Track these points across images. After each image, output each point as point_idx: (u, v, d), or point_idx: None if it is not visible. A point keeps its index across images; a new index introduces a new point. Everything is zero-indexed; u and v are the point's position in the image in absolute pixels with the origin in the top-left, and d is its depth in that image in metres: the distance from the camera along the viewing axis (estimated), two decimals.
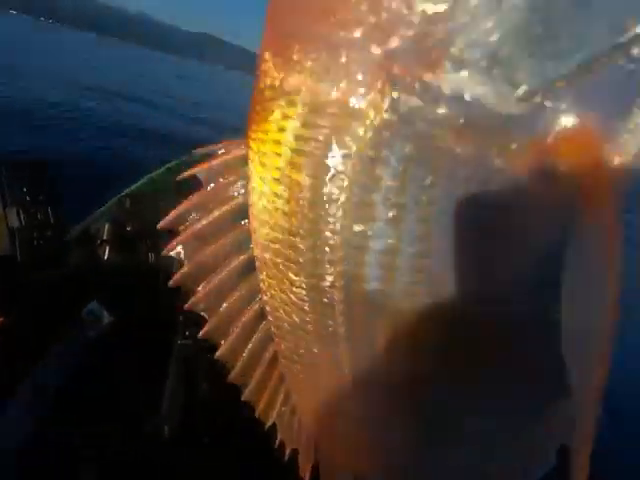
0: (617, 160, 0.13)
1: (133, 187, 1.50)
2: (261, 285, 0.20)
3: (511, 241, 0.15)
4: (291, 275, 0.18)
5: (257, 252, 0.19)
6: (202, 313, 0.21)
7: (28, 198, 0.57)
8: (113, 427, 0.58)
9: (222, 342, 0.22)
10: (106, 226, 1.04)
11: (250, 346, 0.21)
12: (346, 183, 0.15)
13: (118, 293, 1.05)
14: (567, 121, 0.13)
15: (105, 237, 1.04)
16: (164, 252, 0.20)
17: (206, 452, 0.54)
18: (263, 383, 0.22)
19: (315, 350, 0.19)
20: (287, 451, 0.25)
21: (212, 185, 0.19)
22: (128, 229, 0.96)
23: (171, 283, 0.20)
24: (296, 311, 0.18)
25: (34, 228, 0.58)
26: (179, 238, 0.20)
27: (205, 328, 0.21)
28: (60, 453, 0.51)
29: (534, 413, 0.18)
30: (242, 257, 0.19)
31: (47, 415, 0.74)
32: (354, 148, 0.15)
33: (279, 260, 0.18)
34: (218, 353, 0.21)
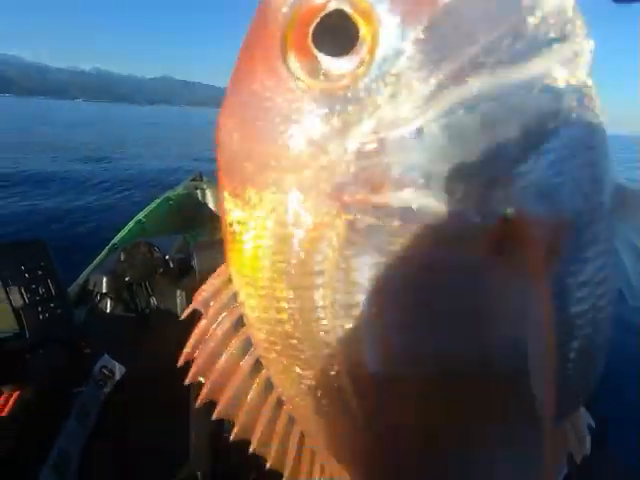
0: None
1: (123, 233, 1.50)
2: (273, 380, 0.22)
3: (476, 316, 0.17)
4: (298, 370, 0.20)
5: (261, 353, 0.21)
6: (228, 418, 0.23)
7: (27, 276, 0.58)
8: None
9: (252, 439, 0.24)
10: (104, 280, 1.05)
11: (277, 430, 0.23)
12: (325, 292, 0.18)
13: (126, 343, 1.06)
14: (497, 212, 0.16)
15: (105, 290, 1.05)
16: (187, 381, 0.23)
17: None
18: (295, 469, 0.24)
19: (332, 429, 0.21)
20: None
21: (210, 312, 0.21)
22: (126, 279, 0.97)
23: (199, 404, 0.23)
24: (309, 399, 0.20)
25: (38, 303, 0.59)
26: (198, 369, 0.22)
27: (235, 430, 0.23)
28: None
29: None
30: (249, 359, 0.22)
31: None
32: (326, 265, 0.17)
33: (283, 359, 0.20)
34: (251, 449, 0.24)
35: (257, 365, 0.22)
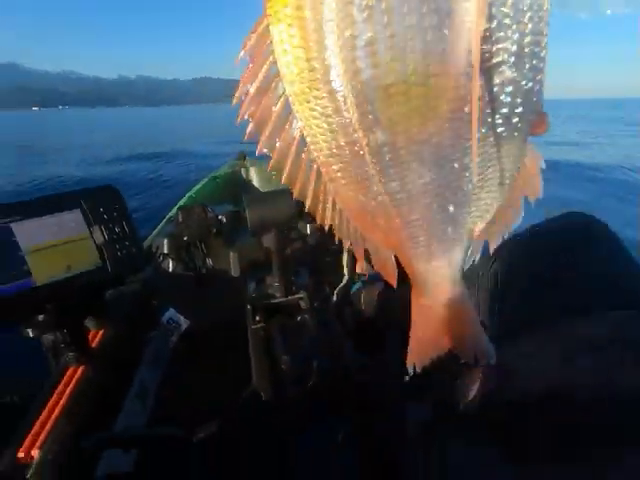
0: None
1: (181, 202, 1.61)
2: (297, 115, 0.25)
3: None
4: (317, 107, 0.23)
5: (287, 88, 0.24)
6: (267, 152, 0.26)
7: (106, 217, 0.66)
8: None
9: (284, 170, 0.27)
10: (164, 241, 1.14)
11: (302, 167, 0.27)
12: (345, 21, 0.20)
13: (187, 299, 1.15)
14: None
15: (166, 251, 1.14)
16: (237, 122, 0.25)
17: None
18: (315, 194, 0.28)
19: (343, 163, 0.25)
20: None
21: (251, 57, 0.24)
22: (184, 239, 1.04)
23: (245, 138, 0.25)
24: (327, 134, 0.24)
25: (115, 241, 0.67)
26: (244, 109, 0.25)
27: (270, 163, 0.27)
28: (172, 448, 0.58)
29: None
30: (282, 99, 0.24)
31: (153, 416, 0.84)
32: None
33: (305, 94, 0.23)
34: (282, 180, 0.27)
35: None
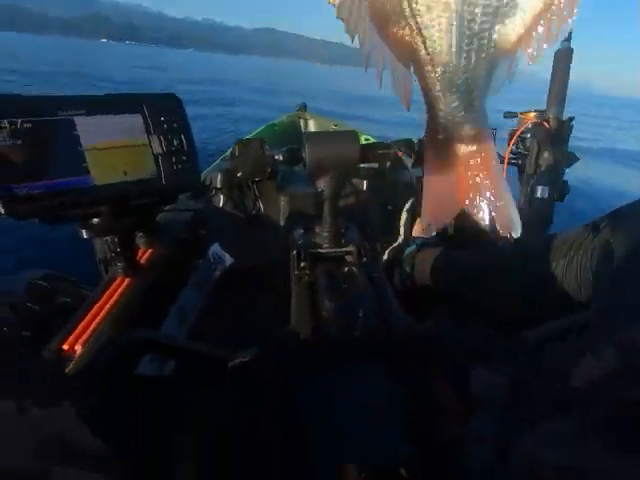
0: None
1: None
2: None
3: None
4: None
5: None
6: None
7: (165, 127, 0.63)
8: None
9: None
10: (218, 176, 1.12)
11: None
12: None
13: (234, 237, 1.14)
14: None
15: (219, 185, 1.12)
16: None
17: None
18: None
19: None
20: None
21: None
22: (238, 175, 1.01)
23: None
24: None
25: (172, 154, 0.64)
26: None
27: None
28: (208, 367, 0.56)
29: None
30: None
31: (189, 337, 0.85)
32: None
33: None
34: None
35: None
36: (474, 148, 0.27)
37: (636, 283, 0.38)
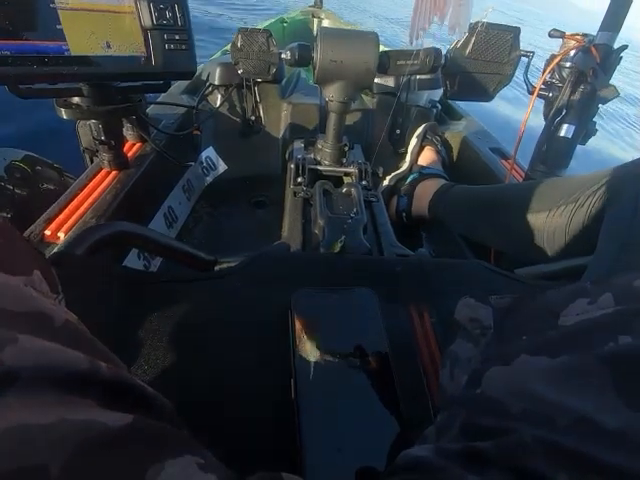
0: None
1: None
2: None
3: None
4: None
5: None
6: None
7: None
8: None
9: None
10: (217, 70, 1.01)
11: None
12: None
13: (229, 143, 1.07)
14: None
15: (216, 82, 1.02)
16: None
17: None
18: None
19: None
20: None
21: None
22: (239, 72, 0.90)
23: None
24: None
25: (165, 30, 0.55)
26: None
27: None
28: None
29: None
30: None
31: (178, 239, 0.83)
32: None
33: None
34: None
35: None
36: None
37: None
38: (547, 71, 0.68)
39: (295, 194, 0.77)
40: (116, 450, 0.15)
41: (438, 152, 0.99)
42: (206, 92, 1.02)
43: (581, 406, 0.17)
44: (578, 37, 0.65)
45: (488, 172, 0.94)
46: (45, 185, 0.76)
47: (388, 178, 0.96)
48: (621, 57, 0.62)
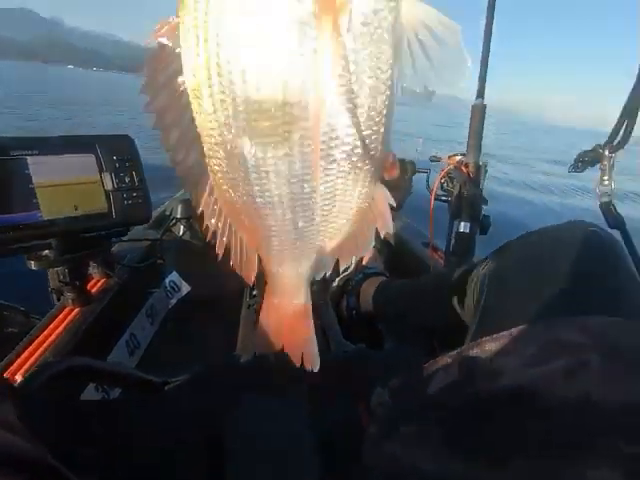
0: None
1: None
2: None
3: None
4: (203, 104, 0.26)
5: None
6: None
7: (117, 165, 0.68)
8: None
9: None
10: (179, 206, 1.16)
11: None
12: None
13: (192, 266, 1.17)
14: None
15: (179, 215, 1.16)
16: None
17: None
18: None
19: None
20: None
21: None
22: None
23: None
24: (210, 130, 0.27)
25: (124, 190, 0.68)
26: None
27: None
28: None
29: None
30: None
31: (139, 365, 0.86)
32: None
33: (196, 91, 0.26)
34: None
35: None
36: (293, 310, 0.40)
37: (501, 306, 0.45)
38: (437, 182, 0.87)
39: (249, 307, 0.84)
40: None
41: (379, 251, 1.13)
42: (170, 224, 1.16)
43: None
44: (454, 158, 0.85)
45: (420, 262, 1.07)
46: (10, 329, 0.81)
47: (337, 279, 1.07)
48: (487, 170, 0.82)
